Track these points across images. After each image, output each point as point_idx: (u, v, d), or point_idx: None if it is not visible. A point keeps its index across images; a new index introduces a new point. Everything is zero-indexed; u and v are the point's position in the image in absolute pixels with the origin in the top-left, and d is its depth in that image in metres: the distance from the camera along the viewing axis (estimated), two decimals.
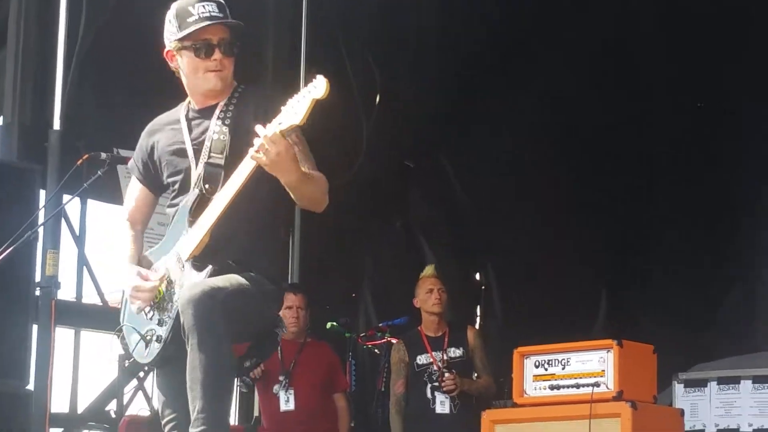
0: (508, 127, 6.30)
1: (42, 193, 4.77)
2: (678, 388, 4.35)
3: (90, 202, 5.42)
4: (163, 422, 2.40)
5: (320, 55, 5.72)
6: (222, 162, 2.30)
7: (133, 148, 2.61)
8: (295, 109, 2.12)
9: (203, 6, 2.35)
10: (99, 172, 3.01)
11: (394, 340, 4.65)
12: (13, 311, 4.51)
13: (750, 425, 4.16)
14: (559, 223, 6.26)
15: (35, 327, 4.60)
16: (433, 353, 4.35)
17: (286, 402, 4.47)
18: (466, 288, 6.51)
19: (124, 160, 3.13)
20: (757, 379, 4.22)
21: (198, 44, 2.33)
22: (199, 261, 2.25)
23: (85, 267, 5.30)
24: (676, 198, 5.85)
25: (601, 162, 6.27)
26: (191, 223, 2.27)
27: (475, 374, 4.50)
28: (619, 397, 3.45)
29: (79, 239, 5.31)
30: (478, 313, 6.73)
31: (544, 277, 6.34)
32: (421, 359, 4.32)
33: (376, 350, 4.89)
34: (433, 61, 6.25)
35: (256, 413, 4.86)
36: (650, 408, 3.70)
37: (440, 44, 6.21)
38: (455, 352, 4.41)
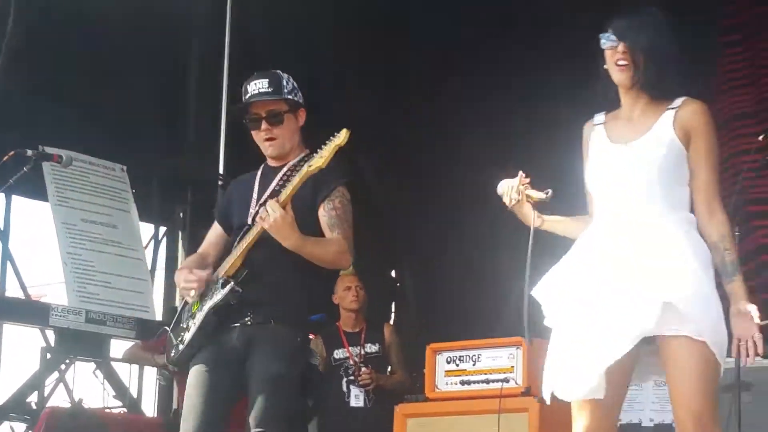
0: (427, 128, 6.53)
1: None
2: None
3: (15, 198, 5.58)
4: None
5: (246, 63, 5.67)
6: None
7: (58, 145, 2.86)
8: (321, 154, 2.56)
9: (255, 84, 2.81)
10: (24, 169, 3.12)
11: (311, 336, 4.75)
12: None
13: (651, 420, 4.31)
14: (472, 222, 6.49)
15: None
16: (350, 348, 4.46)
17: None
18: (382, 285, 6.64)
19: (51, 157, 3.44)
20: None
21: (251, 117, 2.81)
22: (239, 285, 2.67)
23: (9, 261, 5.48)
24: None
25: (506, 164, 6.49)
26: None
27: (390, 369, 4.63)
28: (527, 392, 3.54)
29: (4, 234, 5.49)
30: (393, 310, 6.92)
31: (459, 276, 6.53)
32: (338, 354, 4.43)
33: None
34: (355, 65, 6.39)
35: (174, 406, 4.91)
36: (557, 403, 3.87)
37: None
38: (371, 348, 4.53)
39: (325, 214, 2.69)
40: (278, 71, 2.92)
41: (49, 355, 5.17)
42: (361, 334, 4.56)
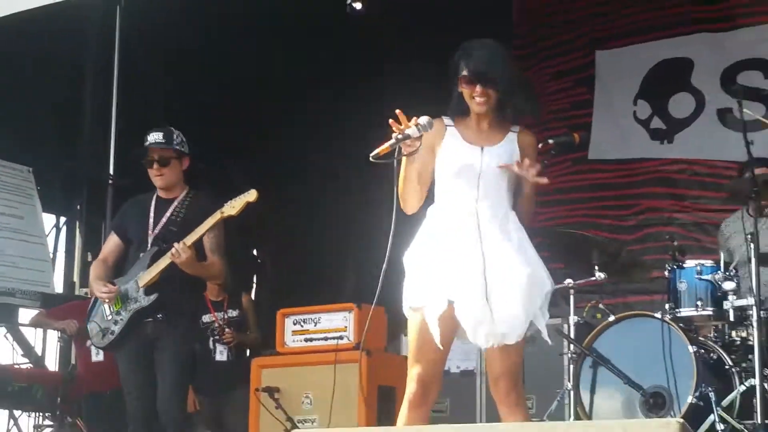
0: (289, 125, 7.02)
1: None
2: (405, 340, 5.24)
3: None
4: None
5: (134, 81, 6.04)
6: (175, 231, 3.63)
7: None
8: (233, 204, 3.49)
9: (153, 135, 3.69)
10: None
11: None
12: None
13: (458, 367, 4.85)
14: (321, 205, 7.14)
15: None
16: (216, 313, 5.12)
17: None
18: (245, 262, 7.35)
19: None
20: None
21: (147, 159, 3.66)
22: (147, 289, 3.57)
23: None
24: None
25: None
26: (149, 266, 3.58)
27: (248, 331, 5.34)
28: (357, 347, 4.10)
29: None
30: (255, 282, 7.64)
31: (309, 253, 7.21)
32: (206, 318, 5.04)
33: None
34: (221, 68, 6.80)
35: (72, 362, 5.63)
36: (382, 355, 4.49)
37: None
38: (233, 313, 5.22)
39: (208, 241, 3.64)
40: (172, 128, 3.78)
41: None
42: (224, 302, 5.22)
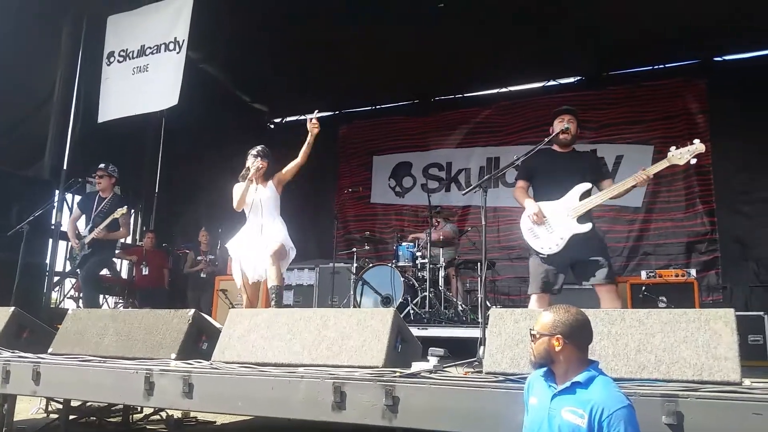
0: None
1: None
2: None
3: None
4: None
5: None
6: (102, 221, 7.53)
7: None
8: (121, 211, 7.48)
9: (101, 165, 7.62)
10: None
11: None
12: None
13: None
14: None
15: None
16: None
17: None
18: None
19: None
20: None
21: (95, 177, 7.69)
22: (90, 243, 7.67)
23: None
24: None
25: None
26: (90, 231, 7.74)
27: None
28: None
29: None
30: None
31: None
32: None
33: None
34: None
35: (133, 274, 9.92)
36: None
37: None
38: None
39: (124, 224, 7.53)
40: (111, 164, 7.50)
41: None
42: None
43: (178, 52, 8.45)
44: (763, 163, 10.08)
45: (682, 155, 4.41)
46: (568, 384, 2.78)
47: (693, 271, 8.67)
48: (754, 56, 10.90)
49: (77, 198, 9.22)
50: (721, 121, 10.57)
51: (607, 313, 3.66)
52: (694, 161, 4.46)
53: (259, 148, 5.91)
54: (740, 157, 10.41)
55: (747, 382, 3.26)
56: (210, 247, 10.29)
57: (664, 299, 7.78)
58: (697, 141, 4.43)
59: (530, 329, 2.91)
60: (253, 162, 5.74)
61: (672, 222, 10.96)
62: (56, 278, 9.49)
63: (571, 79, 12.26)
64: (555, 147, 5.30)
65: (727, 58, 11.15)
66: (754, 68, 10.62)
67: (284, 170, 5.83)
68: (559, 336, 2.83)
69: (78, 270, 7.35)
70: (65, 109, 8.79)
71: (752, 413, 2.90)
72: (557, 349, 2.82)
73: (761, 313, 7.38)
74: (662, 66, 11.48)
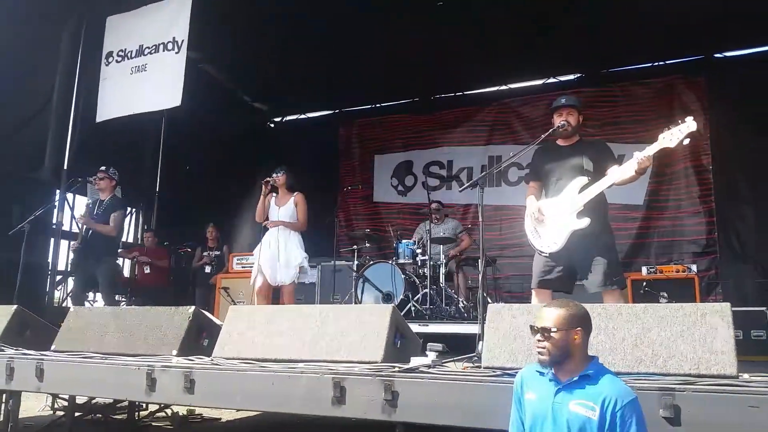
0: None
1: None
2: None
3: None
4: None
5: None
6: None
7: None
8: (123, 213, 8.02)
9: (101, 168, 7.78)
10: None
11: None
12: None
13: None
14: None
15: None
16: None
17: None
18: None
19: None
20: None
21: (95, 179, 7.87)
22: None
23: None
24: None
25: None
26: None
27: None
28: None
29: None
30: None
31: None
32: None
33: None
34: None
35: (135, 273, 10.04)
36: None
37: None
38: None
39: (113, 219, 7.56)
40: (112, 167, 7.70)
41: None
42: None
43: (177, 52, 8.50)
44: (764, 159, 10.08)
45: (673, 135, 4.34)
46: (576, 377, 2.77)
47: (693, 267, 8.68)
48: (754, 52, 10.88)
49: (77, 198, 9.24)
50: (721, 117, 10.57)
51: (604, 308, 3.69)
52: (687, 141, 4.40)
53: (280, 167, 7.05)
54: (740, 153, 10.41)
55: (745, 376, 3.28)
56: (218, 243, 10.34)
57: (665, 295, 7.79)
58: (689, 119, 4.33)
59: (542, 327, 2.84)
60: (273, 176, 6.87)
61: (672, 220, 10.96)
62: (59, 277, 9.53)
63: (571, 77, 12.26)
64: (559, 141, 5.31)
65: (727, 54, 11.14)
66: (755, 65, 10.61)
67: (301, 215, 6.92)
68: (579, 329, 2.82)
69: (78, 266, 7.48)
70: (65, 109, 8.85)
71: (749, 406, 2.92)
72: (577, 342, 2.81)
73: (764, 308, 7.37)
74: (662, 63, 11.49)
